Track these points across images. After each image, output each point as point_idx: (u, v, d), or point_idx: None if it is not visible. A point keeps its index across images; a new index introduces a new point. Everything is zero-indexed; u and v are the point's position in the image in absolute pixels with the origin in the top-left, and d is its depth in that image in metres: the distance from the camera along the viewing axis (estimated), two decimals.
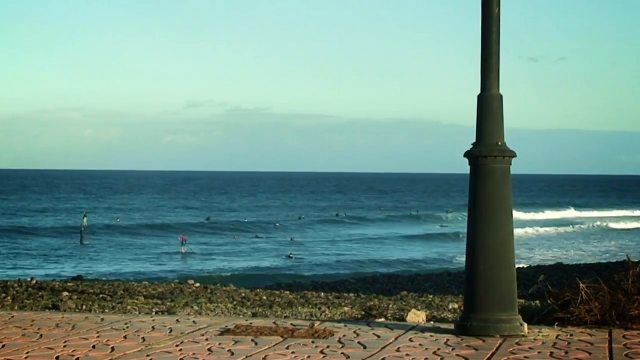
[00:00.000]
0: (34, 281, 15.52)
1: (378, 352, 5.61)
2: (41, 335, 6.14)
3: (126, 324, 6.70)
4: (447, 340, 6.01)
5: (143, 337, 6.08)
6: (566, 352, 5.59)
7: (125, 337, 6.11)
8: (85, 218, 52.45)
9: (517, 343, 5.88)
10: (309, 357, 5.44)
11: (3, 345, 5.77)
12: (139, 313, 9.75)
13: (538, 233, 61.65)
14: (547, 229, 65.38)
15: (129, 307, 10.55)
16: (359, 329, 6.48)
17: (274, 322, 6.81)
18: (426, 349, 5.71)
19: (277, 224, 62.30)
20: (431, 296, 15.37)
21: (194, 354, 5.53)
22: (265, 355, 5.47)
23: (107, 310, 10.12)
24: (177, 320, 6.94)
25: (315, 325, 6.59)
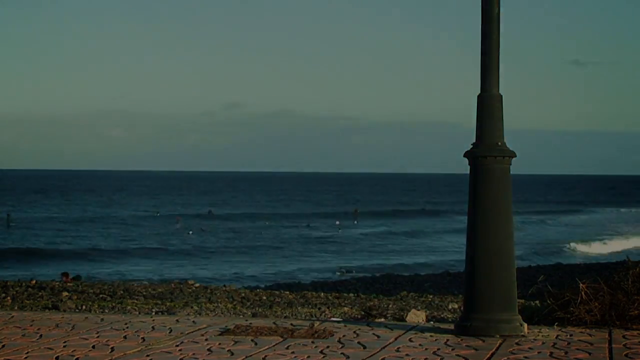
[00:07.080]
0: (33, 281, 15.51)
1: (378, 352, 5.61)
2: (41, 336, 6.14)
3: (126, 324, 6.70)
4: (447, 340, 6.01)
5: (143, 337, 6.08)
6: (566, 352, 5.59)
7: (125, 337, 6.11)
8: (9, 215, 61.18)
9: (517, 343, 5.88)
10: (308, 357, 5.44)
11: (3, 346, 5.77)
12: (139, 313, 9.75)
13: None
14: None
15: (128, 307, 10.55)
16: (359, 329, 6.48)
17: (274, 322, 6.81)
18: (426, 349, 5.72)
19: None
20: (431, 296, 15.33)
21: (194, 354, 5.53)
22: (265, 356, 5.48)
23: (107, 311, 10.11)
24: (177, 320, 6.94)
25: (315, 325, 6.59)
